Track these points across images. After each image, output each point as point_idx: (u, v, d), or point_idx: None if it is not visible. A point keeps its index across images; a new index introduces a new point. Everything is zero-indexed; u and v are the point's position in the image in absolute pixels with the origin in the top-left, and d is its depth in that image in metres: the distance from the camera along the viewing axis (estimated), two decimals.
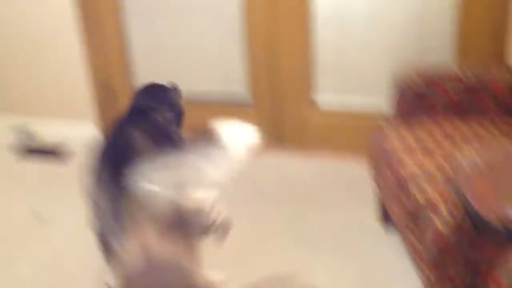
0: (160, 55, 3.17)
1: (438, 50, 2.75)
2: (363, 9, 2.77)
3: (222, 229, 1.94)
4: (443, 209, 1.71)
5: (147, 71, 3.19)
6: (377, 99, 2.82)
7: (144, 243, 1.62)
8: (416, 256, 1.82)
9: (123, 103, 2.44)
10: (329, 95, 3.00)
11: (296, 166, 3.01)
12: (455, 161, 1.69)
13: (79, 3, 3.11)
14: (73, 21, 3.15)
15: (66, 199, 2.77)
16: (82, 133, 3.23)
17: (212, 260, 2.27)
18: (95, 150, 1.87)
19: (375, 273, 2.20)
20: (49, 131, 3.38)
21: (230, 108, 3.12)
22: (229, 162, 1.64)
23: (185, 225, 1.69)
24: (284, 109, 3.05)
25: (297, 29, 2.86)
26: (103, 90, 3.27)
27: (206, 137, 1.64)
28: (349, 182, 2.81)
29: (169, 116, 2.12)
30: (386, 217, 2.38)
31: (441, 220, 1.68)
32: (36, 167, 3.16)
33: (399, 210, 1.96)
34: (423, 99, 2.22)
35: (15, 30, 3.28)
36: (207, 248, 1.81)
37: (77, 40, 3.18)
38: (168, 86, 2.27)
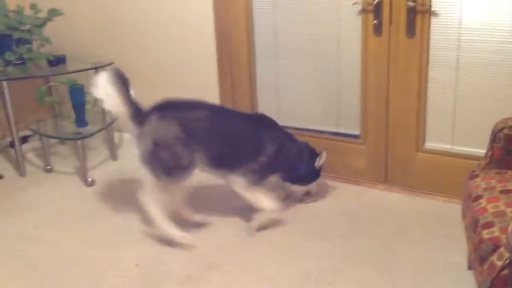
0: (281, 92, 3.48)
1: None
2: (480, 59, 2.84)
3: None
4: (502, 246, 1.78)
5: (268, 106, 3.53)
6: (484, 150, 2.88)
7: None
8: None
9: None
10: (438, 143, 3.09)
11: (396, 202, 3.12)
12: None
13: (217, 48, 3.54)
14: (213, 63, 3.59)
15: None
16: None
17: (297, 273, 2.51)
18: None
19: None
20: None
21: (340, 142, 3.35)
22: None
23: None
24: (391, 149, 3.20)
25: (411, 74, 3.00)
26: None
27: None
28: (445, 222, 2.87)
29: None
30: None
31: (498, 255, 1.76)
32: None
33: (471, 247, 2.03)
34: None
35: (161, 67, 3.79)
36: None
37: (215, 77, 3.62)
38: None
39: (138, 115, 2.68)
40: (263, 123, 2.93)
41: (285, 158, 2.91)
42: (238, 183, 2.83)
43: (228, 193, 2.96)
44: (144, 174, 2.72)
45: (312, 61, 3.30)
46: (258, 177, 2.84)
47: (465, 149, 3.02)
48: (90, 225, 3.03)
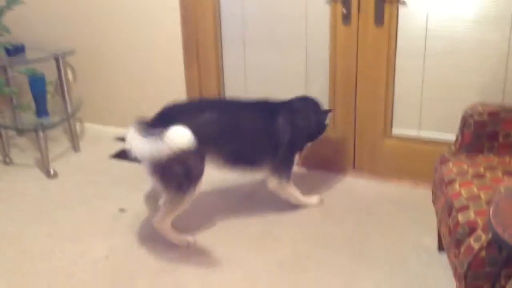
0: (249, 76, 3.45)
1: None
2: (446, 48, 2.89)
3: None
4: (478, 228, 1.82)
5: (235, 93, 3.49)
6: (451, 135, 2.95)
7: None
8: (454, 271, 1.92)
9: None
10: (405, 128, 3.13)
11: (365, 188, 3.16)
12: (497, 188, 1.80)
13: (183, 35, 3.48)
14: (179, 49, 3.52)
15: None
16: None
17: (272, 260, 2.51)
18: None
19: None
20: None
21: None
22: None
23: None
24: (359, 136, 3.23)
25: (379, 63, 3.03)
26: None
27: None
28: (414, 206, 2.93)
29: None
30: (442, 242, 2.46)
31: (475, 238, 1.80)
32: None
33: (445, 230, 2.07)
34: (485, 130, 2.31)
35: (126, 57, 3.72)
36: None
37: (181, 71, 3.56)
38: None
39: (146, 128, 2.45)
40: (269, 107, 2.83)
41: (301, 131, 2.84)
42: (271, 183, 2.82)
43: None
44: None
45: (280, 50, 3.28)
46: (287, 165, 2.82)
47: (431, 135, 3.07)
48: (54, 218, 2.94)
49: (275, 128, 2.75)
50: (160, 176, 2.51)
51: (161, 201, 2.62)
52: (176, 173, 2.50)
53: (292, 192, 2.89)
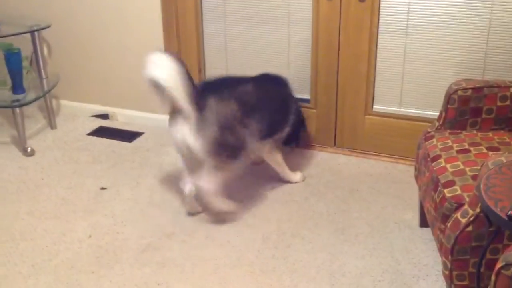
0: (230, 54, 3.42)
1: (502, 69, 2.84)
2: (428, 23, 2.90)
3: None
4: (465, 203, 1.85)
5: (216, 69, 3.46)
6: (430, 112, 3.00)
7: None
8: (439, 246, 1.96)
9: None
10: (386, 105, 3.15)
11: (346, 164, 3.17)
12: (484, 162, 1.82)
13: (163, 11, 3.41)
14: (158, 25, 3.45)
15: (128, 173, 3.12)
16: (154, 123, 3.65)
17: (257, 237, 2.52)
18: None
19: (404, 265, 2.34)
20: (126, 119, 3.78)
21: None
22: None
23: None
24: (340, 113, 3.24)
25: (362, 39, 3.03)
26: None
27: None
28: (395, 182, 2.96)
29: None
30: (424, 217, 2.50)
31: (462, 213, 1.83)
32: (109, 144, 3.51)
33: (430, 205, 2.10)
34: (469, 106, 2.34)
35: (105, 32, 3.63)
36: None
37: (160, 42, 3.48)
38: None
39: (197, 100, 2.42)
40: (280, 83, 2.95)
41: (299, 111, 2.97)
42: (266, 148, 2.83)
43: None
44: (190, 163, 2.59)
45: (262, 25, 3.25)
46: (283, 137, 2.88)
47: (411, 111, 3.10)
48: (34, 196, 2.90)
49: (288, 99, 2.90)
50: (215, 147, 2.47)
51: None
52: (230, 142, 2.50)
53: (281, 161, 2.92)
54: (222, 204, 2.63)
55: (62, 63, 3.81)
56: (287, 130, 2.86)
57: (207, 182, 2.54)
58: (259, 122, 2.61)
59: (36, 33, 3.41)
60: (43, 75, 3.58)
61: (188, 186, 2.65)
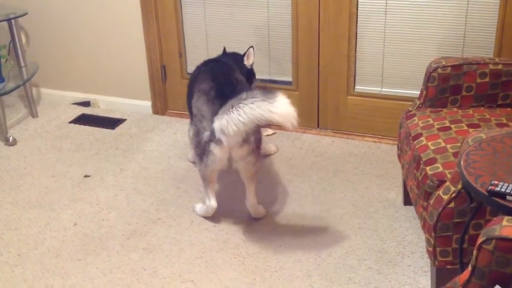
0: (210, 37, 3.40)
1: (481, 47, 2.86)
2: (406, 2, 2.90)
3: None
4: (447, 180, 1.88)
5: (197, 54, 3.44)
6: (411, 91, 3.02)
7: None
8: (423, 223, 1.98)
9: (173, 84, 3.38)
10: (367, 86, 3.16)
11: (329, 145, 3.19)
12: (464, 139, 1.84)
13: (143, 0, 3.38)
14: (137, 11, 3.42)
15: (111, 160, 3.11)
16: (136, 109, 3.64)
17: (242, 220, 2.53)
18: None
19: (389, 243, 2.37)
20: (108, 106, 3.75)
21: (274, 89, 3.32)
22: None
23: None
24: (322, 94, 3.25)
25: (342, 19, 3.03)
26: (158, 73, 3.55)
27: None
28: (377, 162, 2.99)
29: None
30: (408, 195, 2.53)
31: (444, 189, 1.85)
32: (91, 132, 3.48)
33: (412, 183, 2.12)
34: (449, 83, 2.36)
35: (83, 19, 3.58)
36: None
37: (139, 28, 3.46)
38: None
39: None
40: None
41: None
42: None
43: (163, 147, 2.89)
44: None
45: (241, 7, 3.24)
46: None
47: (393, 91, 3.11)
48: (17, 186, 2.88)
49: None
50: (258, 139, 2.42)
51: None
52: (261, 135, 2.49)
53: None
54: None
55: (41, 51, 3.77)
56: None
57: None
58: None
59: (12, 21, 3.37)
60: (22, 64, 3.53)
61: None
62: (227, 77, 2.53)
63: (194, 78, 2.66)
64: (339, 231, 2.46)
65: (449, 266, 1.92)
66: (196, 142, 2.41)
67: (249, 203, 2.55)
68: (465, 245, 1.85)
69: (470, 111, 2.32)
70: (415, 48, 2.97)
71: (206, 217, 2.57)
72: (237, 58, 2.88)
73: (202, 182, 2.49)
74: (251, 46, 2.90)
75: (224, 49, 2.98)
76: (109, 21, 3.52)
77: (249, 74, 2.90)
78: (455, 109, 2.36)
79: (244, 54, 2.89)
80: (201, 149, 2.36)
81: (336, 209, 2.61)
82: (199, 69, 2.73)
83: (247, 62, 2.89)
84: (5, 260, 2.35)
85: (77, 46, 3.67)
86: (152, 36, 3.44)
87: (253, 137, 2.35)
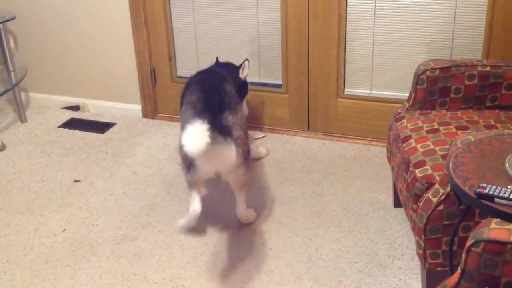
0: (199, 41, 3.39)
1: (470, 48, 2.87)
2: (395, 4, 2.91)
3: None
4: (436, 183, 1.88)
5: (187, 58, 3.44)
6: (401, 94, 3.03)
7: None
8: (412, 225, 1.99)
9: (163, 88, 3.39)
10: (357, 87, 3.16)
11: (320, 148, 3.19)
12: (453, 141, 1.85)
13: (132, 4, 3.37)
14: (126, 15, 3.40)
15: (101, 164, 3.10)
16: (126, 113, 3.64)
17: (232, 224, 2.52)
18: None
19: (379, 245, 2.37)
20: (98, 110, 3.74)
21: (264, 92, 3.35)
22: None
23: None
24: (312, 97, 3.25)
25: (331, 21, 3.03)
26: (147, 77, 3.53)
27: None
28: (367, 164, 2.99)
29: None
30: (398, 197, 2.53)
31: (433, 192, 1.85)
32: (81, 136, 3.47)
33: (402, 186, 2.13)
34: (438, 86, 2.37)
35: (72, 23, 3.56)
36: None
37: (128, 32, 3.45)
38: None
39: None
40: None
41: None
42: None
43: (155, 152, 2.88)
44: None
45: (230, 10, 3.23)
46: None
47: (382, 93, 3.12)
48: (6, 191, 2.86)
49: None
50: (246, 151, 2.39)
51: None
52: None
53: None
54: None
55: (30, 55, 3.75)
56: None
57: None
58: None
59: (1, 25, 3.34)
60: (10, 68, 3.51)
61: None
62: (216, 89, 2.49)
63: (185, 89, 2.65)
64: (330, 234, 2.46)
65: (439, 269, 1.93)
66: (183, 154, 2.31)
67: (239, 211, 2.53)
68: (454, 247, 1.85)
69: (459, 113, 2.33)
70: (404, 50, 2.98)
71: (190, 230, 2.50)
72: (231, 68, 2.89)
73: (187, 185, 2.46)
74: (247, 59, 2.92)
75: (217, 59, 2.98)
76: (98, 25, 3.50)
77: (243, 86, 2.91)
78: (444, 111, 2.37)
79: (240, 66, 2.90)
80: (188, 162, 2.33)
81: (326, 212, 2.62)
82: (190, 79, 2.72)
83: (242, 74, 2.91)
84: None
85: (66, 50, 3.66)
86: (142, 39, 3.43)
87: (241, 149, 2.31)
